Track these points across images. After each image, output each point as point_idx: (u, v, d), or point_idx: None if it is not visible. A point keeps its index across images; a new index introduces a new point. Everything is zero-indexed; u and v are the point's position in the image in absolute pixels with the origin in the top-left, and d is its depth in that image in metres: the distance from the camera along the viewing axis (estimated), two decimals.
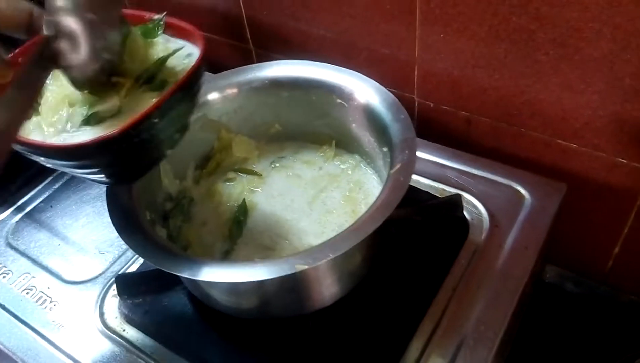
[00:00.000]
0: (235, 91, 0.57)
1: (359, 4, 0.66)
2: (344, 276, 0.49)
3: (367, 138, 0.54)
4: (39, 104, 0.41)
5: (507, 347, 0.54)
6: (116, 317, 0.56)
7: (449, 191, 0.61)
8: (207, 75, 0.59)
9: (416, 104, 0.72)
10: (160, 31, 0.45)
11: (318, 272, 0.46)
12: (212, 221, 0.55)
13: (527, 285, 0.54)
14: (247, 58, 0.85)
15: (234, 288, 0.47)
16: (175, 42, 0.45)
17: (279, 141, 0.62)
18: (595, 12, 0.52)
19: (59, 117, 0.40)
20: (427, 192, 0.62)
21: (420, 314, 0.51)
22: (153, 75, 0.41)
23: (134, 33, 0.43)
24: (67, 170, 0.43)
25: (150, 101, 0.40)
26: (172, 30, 0.45)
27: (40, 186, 0.72)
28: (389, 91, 0.53)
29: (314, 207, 0.56)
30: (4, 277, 0.61)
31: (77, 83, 0.39)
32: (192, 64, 0.42)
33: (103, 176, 0.42)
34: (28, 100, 0.35)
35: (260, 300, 0.48)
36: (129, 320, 0.55)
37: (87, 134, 0.39)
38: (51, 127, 0.40)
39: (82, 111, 0.40)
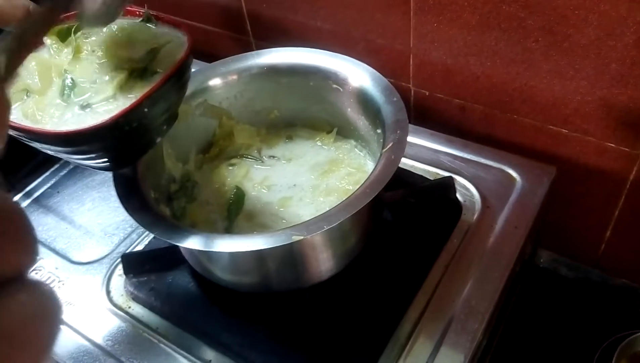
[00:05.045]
0: (235, 77, 0.59)
1: None
2: (339, 251, 0.51)
3: (362, 122, 0.56)
4: (33, 92, 0.44)
5: (497, 324, 0.56)
6: (122, 295, 0.58)
7: (443, 175, 0.63)
8: (204, 64, 0.62)
9: (412, 93, 0.74)
10: (153, 23, 0.47)
11: (314, 244, 0.48)
12: (215, 202, 0.57)
13: (517, 263, 0.56)
14: (248, 50, 0.87)
15: (234, 262, 0.49)
16: (165, 34, 0.47)
17: (279, 128, 0.65)
18: (581, 0, 0.54)
19: (55, 107, 0.42)
20: (422, 176, 0.64)
21: (414, 289, 0.53)
22: (145, 67, 0.44)
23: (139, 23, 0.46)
24: (62, 156, 0.45)
25: (141, 90, 0.42)
26: (161, 24, 0.47)
27: (47, 173, 0.74)
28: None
29: (314, 191, 0.58)
30: None
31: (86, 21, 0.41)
32: (180, 55, 0.44)
33: (96, 161, 0.44)
34: (36, 36, 0.36)
35: (260, 275, 0.50)
36: (135, 297, 0.57)
37: (83, 122, 0.41)
38: (48, 116, 0.42)
39: (79, 102, 0.42)
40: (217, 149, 0.63)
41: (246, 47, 0.87)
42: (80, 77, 0.43)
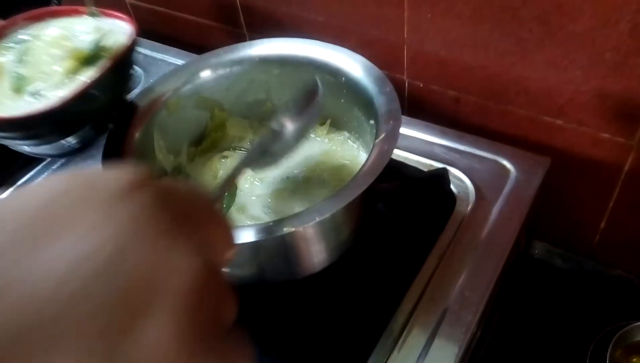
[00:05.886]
0: (227, 68, 0.59)
1: None
2: (332, 242, 0.50)
3: (355, 113, 0.56)
4: None
5: (491, 315, 0.56)
6: None
7: (437, 166, 0.63)
8: (195, 56, 0.61)
9: (406, 85, 0.74)
10: (98, 17, 0.52)
11: (307, 236, 0.47)
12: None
13: (511, 254, 0.55)
14: None
15: None
16: (109, 25, 0.52)
17: (271, 119, 0.64)
18: None
19: (8, 98, 0.45)
20: (416, 167, 0.63)
21: (408, 281, 0.53)
22: (92, 55, 0.48)
23: None
24: (18, 145, 0.48)
25: (89, 76, 0.47)
26: (106, 17, 0.52)
27: (39, 167, 0.73)
28: None
29: (307, 183, 0.58)
30: None
31: None
32: (125, 42, 0.49)
33: (49, 148, 0.49)
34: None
35: (253, 267, 0.50)
36: None
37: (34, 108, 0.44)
38: (1, 107, 0.45)
39: (30, 90, 0.46)
40: (209, 141, 0.62)
41: (240, 39, 0.86)
42: (31, 70, 0.47)
